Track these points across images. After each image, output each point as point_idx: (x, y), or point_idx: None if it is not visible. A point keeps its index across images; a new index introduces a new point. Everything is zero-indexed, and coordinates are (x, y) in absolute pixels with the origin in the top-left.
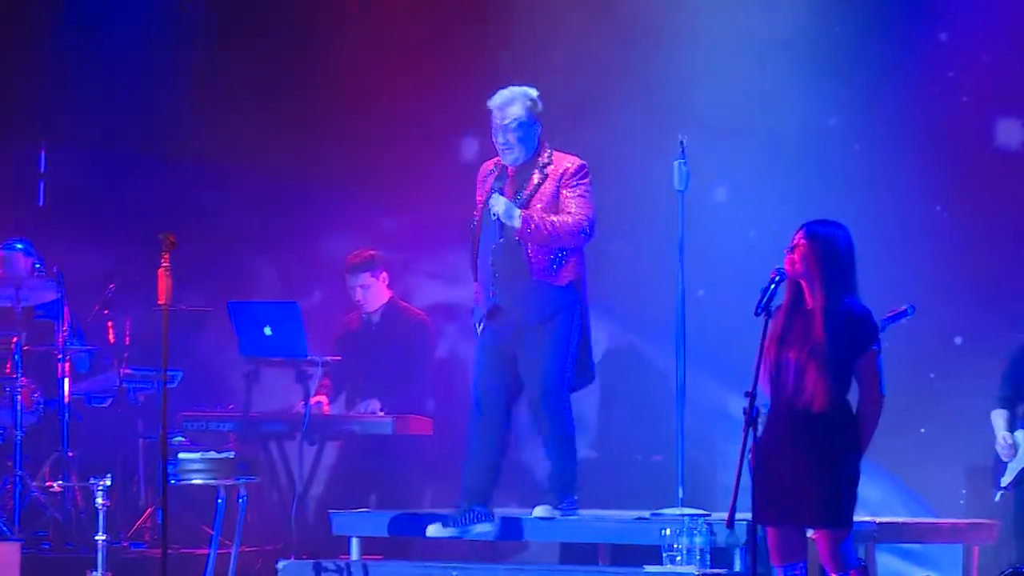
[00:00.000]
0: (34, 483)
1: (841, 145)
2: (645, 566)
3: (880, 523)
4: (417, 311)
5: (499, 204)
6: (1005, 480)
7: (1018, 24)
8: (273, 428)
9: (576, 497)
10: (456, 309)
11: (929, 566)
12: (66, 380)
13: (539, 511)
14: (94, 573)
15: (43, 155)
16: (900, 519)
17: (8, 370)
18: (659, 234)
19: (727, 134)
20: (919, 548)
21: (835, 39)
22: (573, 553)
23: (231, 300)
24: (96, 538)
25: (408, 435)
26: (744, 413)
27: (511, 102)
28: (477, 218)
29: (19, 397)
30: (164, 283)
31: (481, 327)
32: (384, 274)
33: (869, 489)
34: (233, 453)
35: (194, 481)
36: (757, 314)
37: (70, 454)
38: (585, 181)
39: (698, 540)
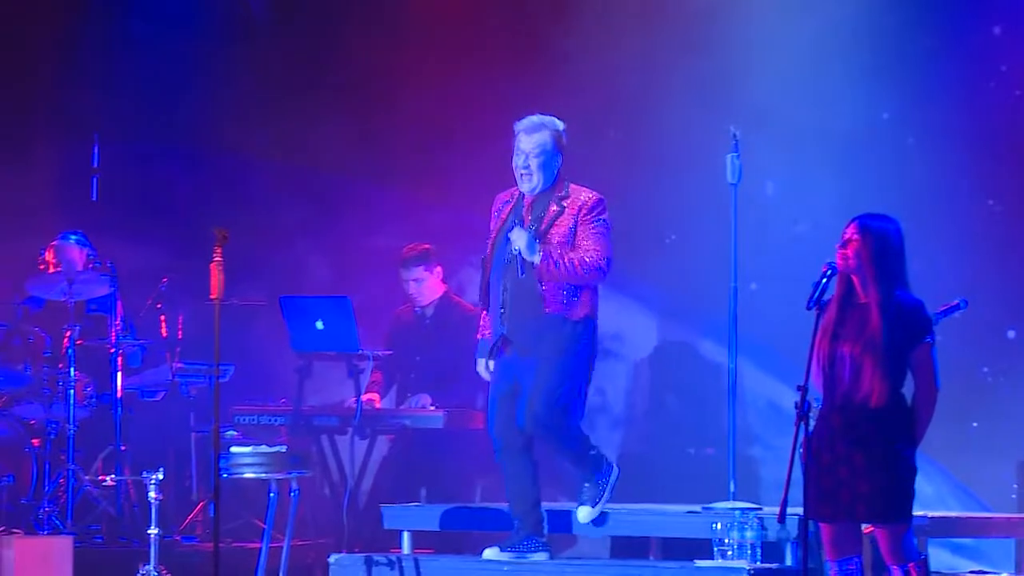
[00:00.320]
0: (87, 477)
1: (894, 139)
2: (696, 560)
3: (932, 518)
4: (470, 306)
5: (520, 239)
6: None
7: None
8: (325, 422)
9: (606, 471)
10: None
11: (982, 561)
12: (119, 374)
13: (582, 514)
14: (146, 567)
15: (96, 150)
16: (952, 514)
17: (61, 364)
18: (711, 228)
19: (780, 128)
20: (971, 543)
21: (888, 33)
22: (624, 546)
23: (283, 294)
24: (148, 532)
25: (459, 429)
26: (796, 407)
27: (538, 128)
28: (489, 248)
29: (72, 391)
30: (216, 277)
31: (492, 363)
32: (438, 268)
33: (921, 484)
34: (285, 447)
35: (246, 475)
36: (809, 308)
37: (122, 448)
38: (603, 217)
39: (749, 534)
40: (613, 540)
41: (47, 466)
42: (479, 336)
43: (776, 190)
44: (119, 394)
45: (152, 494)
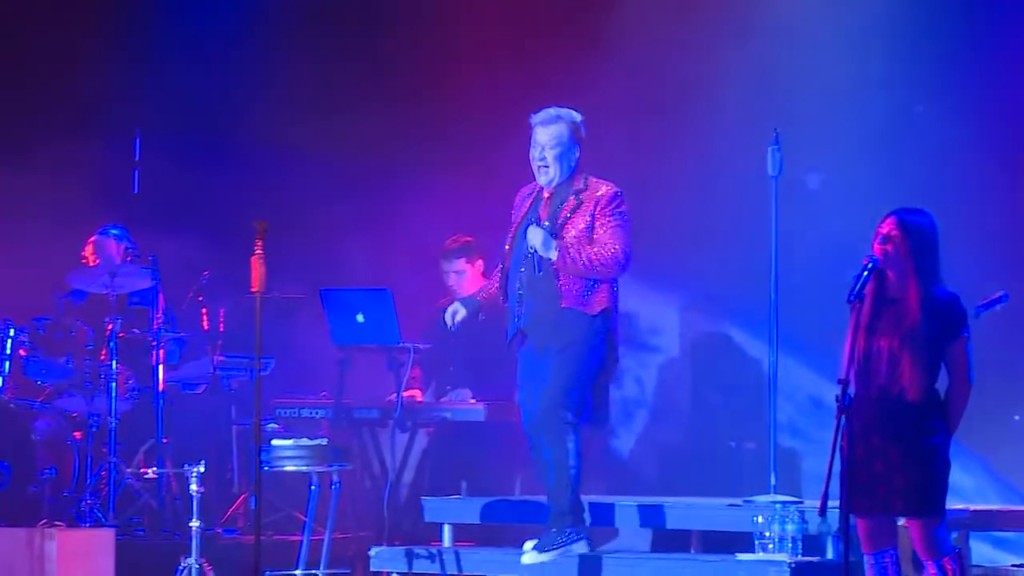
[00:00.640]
0: (129, 470)
1: (932, 131)
2: (737, 554)
3: (973, 511)
4: None
5: (536, 236)
6: None
7: None
8: (366, 415)
9: (576, 529)
10: None
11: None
12: (160, 367)
13: (527, 557)
14: (188, 559)
15: (137, 143)
16: (993, 507)
17: (103, 357)
18: (752, 220)
19: (820, 120)
20: (1013, 536)
21: (927, 24)
22: (664, 540)
23: (323, 287)
24: (190, 524)
25: (500, 422)
26: (836, 401)
27: (555, 120)
28: (509, 242)
29: (114, 384)
30: (257, 270)
31: (464, 315)
32: (480, 261)
33: (962, 477)
34: (326, 440)
35: (287, 468)
36: (850, 301)
37: (164, 441)
38: (621, 209)
39: (790, 528)
40: (653, 533)
41: (89, 459)
42: (478, 296)
43: (818, 183)
44: (161, 387)
45: (194, 487)
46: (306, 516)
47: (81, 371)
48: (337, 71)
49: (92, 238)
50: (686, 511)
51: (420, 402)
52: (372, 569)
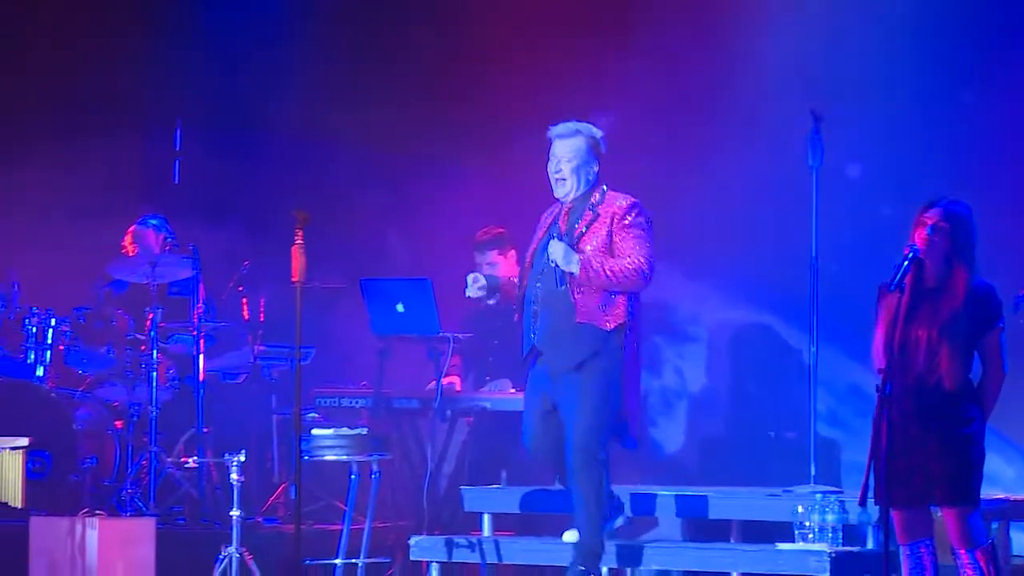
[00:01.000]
0: (169, 459)
1: (976, 120)
2: (777, 543)
3: (1014, 501)
4: None
5: (558, 251)
6: None
7: None
8: (405, 405)
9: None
10: None
11: None
12: (201, 357)
13: (568, 534)
14: (228, 548)
15: (178, 133)
16: None
17: (143, 347)
18: (792, 210)
19: (860, 109)
20: None
21: (969, 10)
22: (704, 529)
23: (363, 277)
24: (230, 513)
25: None
26: (877, 390)
27: (573, 134)
28: (529, 257)
29: (155, 374)
30: (298, 260)
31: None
32: (512, 252)
33: (1002, 466)
34: (366, 429)
35: (327, 457)
36: (891, 291)
37: (205, 430)
38: (640, 220)
39: (830, 518)
40: (693, 523)
41: (130, 448)
42: (502, 280)
43: (858, 172)
44: (201, 376)
45: (234, 476)
46: (346, 505)
47: (122, 360)
48: (379, 65)
49: (131, 228)
50: (726, 501)
51: (459, 391)
52: (412, 558)
